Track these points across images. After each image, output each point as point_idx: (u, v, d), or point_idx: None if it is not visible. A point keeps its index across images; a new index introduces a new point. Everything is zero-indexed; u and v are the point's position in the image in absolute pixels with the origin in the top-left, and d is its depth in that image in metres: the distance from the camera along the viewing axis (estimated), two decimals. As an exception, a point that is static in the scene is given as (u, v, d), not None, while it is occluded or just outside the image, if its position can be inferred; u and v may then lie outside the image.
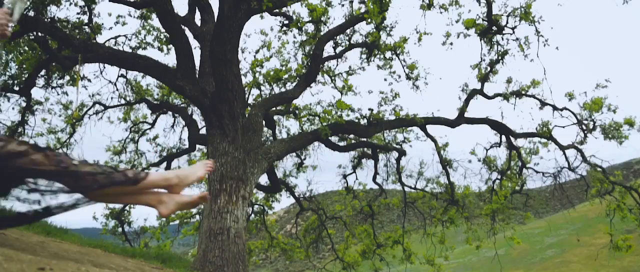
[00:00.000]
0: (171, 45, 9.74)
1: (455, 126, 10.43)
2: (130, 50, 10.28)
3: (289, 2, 8.91)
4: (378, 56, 10.51)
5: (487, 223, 11.65)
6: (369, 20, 8.98)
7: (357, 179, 12.38)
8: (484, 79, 10.44)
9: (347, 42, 10.38)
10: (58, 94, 10.02)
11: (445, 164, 11.19)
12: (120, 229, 11.80)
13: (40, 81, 9.54)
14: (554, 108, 10.40)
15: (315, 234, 12.77)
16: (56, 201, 2.05)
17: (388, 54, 10.41)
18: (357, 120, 10.16)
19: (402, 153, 11.46)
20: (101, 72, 10.57)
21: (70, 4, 8.55)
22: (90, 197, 2.09)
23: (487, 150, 11.33)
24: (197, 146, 11.47)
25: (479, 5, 9.68)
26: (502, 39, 10.10)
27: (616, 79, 10.81)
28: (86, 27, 8.92)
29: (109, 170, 2.03)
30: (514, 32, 9.87)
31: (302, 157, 12.12)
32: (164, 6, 7.48)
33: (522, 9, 9.47)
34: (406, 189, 11.96)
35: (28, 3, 2.27)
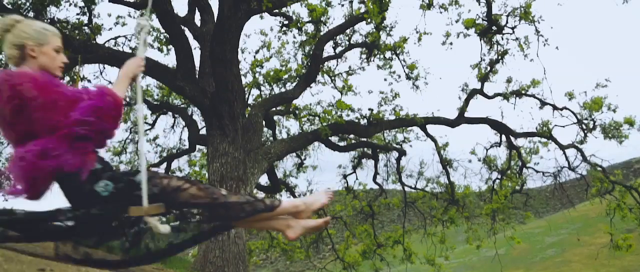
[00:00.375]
0: (171, 46, 9.73)
1: (455, 126, 10.43)
2: (130, 51, 10.28)
3: (289, 3, 8.91)
4: (378, 56, 10.51)
5: (488, 223, 11.64)
6: (369, 20, 8.97)
7: (357, 179, 12.39)
8: (484, 78, 10.44)
9: (347, 42, 10.38)
10: (58, 95, 10.00)
11: (446, 163, 11.19)
12: (120, 230, 11.78)
13: (40, 82, 9.52)
14: (554, 108, 10.40)
15: (316, 234, 12.77)
16: (204, 229, 2.26)
17: (388, 54, 10.41)
18: (357, 121, 10.15)
19: (402, 153, 11.46)
20: (101, 73, 10.55)
21: (70, 4, 8.56)
22: (234, 225, 2.34)
23: (487, 150, 11.34)
24: (197, 147, 11.47)
25: (479, 5, 9.69)
26: (502, 38, 10.11)
27: (616, 78, 10.82)
28: (86, 27, 8.92)
29: (251, 199, 2.20)
30: (513, 32, 9.89)
31: (302, 157, 12.12)
32: (163, 7, 7.49)
33: (522, 9, 9.48)
34: (406, 189, 11.96)
35: (150, 27, 2.47)
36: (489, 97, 10.67)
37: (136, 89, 2.37)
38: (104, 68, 10.53)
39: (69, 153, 1.85)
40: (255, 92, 11.47)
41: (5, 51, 2.05)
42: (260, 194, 12.76)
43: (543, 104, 10.44)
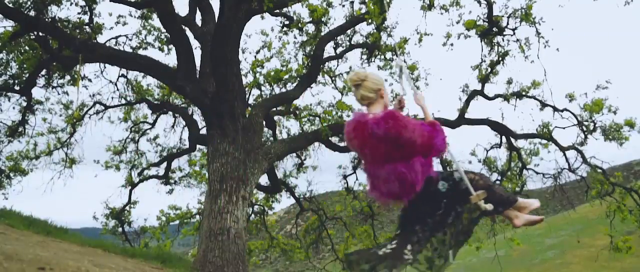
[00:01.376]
0: (172, 46, 9.74)
1: (455, 127, 10.42)
2: (130, 50, 10.29)
3: (290, 3, 8.92)
4: (378, 57, 10.51)
5: (487, 224, 11.62)
6: (370, 20, 8.98)
7: (357, 179, 12.37)
8: (484, 80, 10.43)
9: (348, 43, 10.38)
10: (58, 94, 10.03)
11: (446, 164, 11.18)
12: (120, 229, 11.79)
13: (41, 81, 9.55)
14: (555, 109, 10.39)
15: (316, 234, 12.77)
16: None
17: (388, 55, 10.41)
18: (357, 121, 10.13)
19: (402, 154, 11.44)
20: (102, 72, 10.58)
21: (71, 4, 8.57)
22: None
23: (487, 151, 11.33)
24: (198, 146, 11.47)
25: (480, 6, 9.69)
26: (503, 40, 10.10)
27: (617, 80, 10.78)
28: (87, 27, 8.94)
29: (510, 194, 2.95)
30: (514, 33, 9.87)
31: (303, 157, 12.12)
32: (164, 6, 7.49)
33: (523, 10, 9.48)
34: (406, 189, 11.93)
35: (406, 66, 2.99)
36: (489, 99, 10.66)
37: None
38: (105, 67, 10.56)
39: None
40: (255, 92, 11.48)
41: (363, 94, 2.74)
42: (261, 194, 12.77)
43: (543, 105, 10.44)
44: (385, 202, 2.76)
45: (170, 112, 11.68)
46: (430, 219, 2.79)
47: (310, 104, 11.57)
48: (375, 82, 2.77)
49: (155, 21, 10.49)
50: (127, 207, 11.86)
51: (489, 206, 2.66)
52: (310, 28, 10.15)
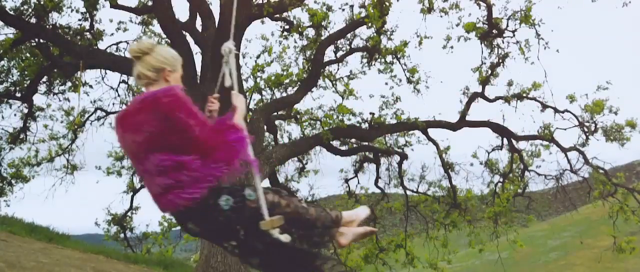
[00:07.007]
0: (172, 51, 9.74)
1: (456, 129, 10.42)
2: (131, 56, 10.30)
3: (290, 7, 8.93)
4: (379, 60, 10.52)
5: (490, 226, 11.60)
6: (370, 24, 8.99)
7: (359, 183, 12.35)
8: (485, 82, 10.44)
9: (348, 47, 10.39)
10: (60, 101, 10.05)
11: (447, 167, 11.17)
12: (122, 235, 11.77)
13: (42, 88, 9.57)
14: (556, 110, 10.39)
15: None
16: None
17: (389, 58, 10.42)
18: (358, 125, 10.15)
19: (403, 157, 11.44)
20: (103, 78, 10.58)
21: (72, 10, 8.60)
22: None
23: (488, 153, 11.32)
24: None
25: (479, 8, 9.70)
26: (503, 42, 10.11)
27: (617, 80, 10.78)
28: (88, 33, 8.96)
29: (325, 216, 2.40)
30: (514, 35, 9.88)
31: (304, 161, 12.11)
32: (165, 12, 7.51)
33: (522, 12, 9.49)
34: (408, 192, 11.93)
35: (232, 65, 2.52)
36: (490, 101, 10.66)
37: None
38: (106, 73, 10.57)
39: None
40: (256, 96, 11.48)
41: (141, 71, 2.22)
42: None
43: (544, 106, 10.43)
44: (165, 210, 2.18)
45: (172, 118, 11.67)
46: (218, 241, 2.29)
47: (311, 108, 11.58)
48: (160, 59, 2.22)
49: (156, 27, 10.52)
50: (129, 213, 11.85)
51: (284, 237, 2.10)
52: (311, 32, 10.17)
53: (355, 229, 2.50)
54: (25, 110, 9.86)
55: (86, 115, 10.95)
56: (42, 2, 7.70)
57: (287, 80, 10.98)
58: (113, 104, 11.07)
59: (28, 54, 9.07)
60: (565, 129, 10.50)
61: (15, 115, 9.87)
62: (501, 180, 11.48)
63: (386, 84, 10.85)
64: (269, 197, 2.21)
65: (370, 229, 2.64)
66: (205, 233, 2.26)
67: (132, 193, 11.85)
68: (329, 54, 10.19)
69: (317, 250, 2.33)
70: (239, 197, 2.18)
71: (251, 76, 11.34)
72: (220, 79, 2.45)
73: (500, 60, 10.24)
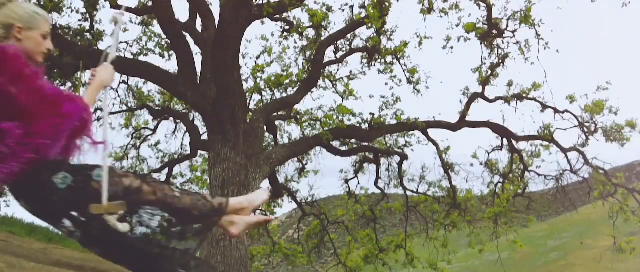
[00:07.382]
0: (172, 52, 9.76)
1: (456, 130, 10.42)
2: (131, 57, 10.31)
3: (290, 8, 8.93)
4: (379, 61, 10.52)
5: (490, 227, 11.60)
6: (370, 25, 8.99)
7: (359, 183, 12.35)
8: (484, 82, 10.44)
9: (348, 47, 10.39)
10: (60, 101, 10.01)
11: (447, 167, 11.17)
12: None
13: (42, 88, 9.54)
14: (556, 111, 10.38)
15: (318, 239, 12.74)
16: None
17: (389, 59, 10.42)
18: (358, 125, 10.14)
19: (403, 157, 11.44)
20: (103, 79, 10.57)
21: (72, 11, 8.60)
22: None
23: (488, 153, 11.31)
24: (199, 152, 11.47)
25: (479, 9, 9.70)
26: (503, 42, 10.11)
27: (617, 81, 10.80)
28: (88, 34, 8.95)
29: (203, 204, 2.14)
30: (514, 36, 9.89)
31: (304, 162, 12.11)
32: (165, 12, 7.51)
33: (522, 13, 9.49)
34: (408, 193, 11.93)
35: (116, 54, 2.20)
36: (490, 101, 10.66)
37: (105, 98, 2.36)
38: (106, 74, 10.56)
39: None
40: (256, 97, 11.49)
41: None
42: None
43: (544, 107, 10.42)
44: None
45: (172, 118, 11.69)
46: (53, 222, 2.03)
47: (311, 109, 11.59)
48: (9, 13, 1.96)
49: (156, 27, 10.51)
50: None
51: (122, 226, 1.88)
52: (310, 33, 10.17)
53: (248, 217, 2.32)
54: (25, 111, 9.84)
55: (86, 116, 10.93)
56: (42, 3, 7.70)
57: (287, 81, 10.99)
58: (113, 104, 11.08)
59: (28, 55, 9.05)
60: (565, 130, 10.49)
61: (15, 115, 9.85)
62: (501, 180, 11.48)
63: (386, 84, 10.87)
64: (126, 182, 1.97)
65: (264, 218, 2.50)
66: (37, 212, 2.01)
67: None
68: (329, 54, 10.20)
69: (163, 253, 2.03)
70: (81, 176, 1.93)
71: (251, 77, 11.36)
72: (105, 52, 2.26)
73: (500, 61, 10.24)
